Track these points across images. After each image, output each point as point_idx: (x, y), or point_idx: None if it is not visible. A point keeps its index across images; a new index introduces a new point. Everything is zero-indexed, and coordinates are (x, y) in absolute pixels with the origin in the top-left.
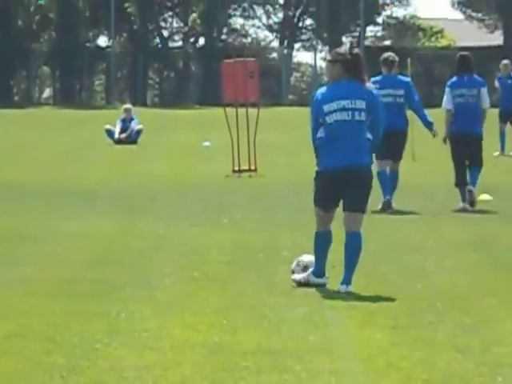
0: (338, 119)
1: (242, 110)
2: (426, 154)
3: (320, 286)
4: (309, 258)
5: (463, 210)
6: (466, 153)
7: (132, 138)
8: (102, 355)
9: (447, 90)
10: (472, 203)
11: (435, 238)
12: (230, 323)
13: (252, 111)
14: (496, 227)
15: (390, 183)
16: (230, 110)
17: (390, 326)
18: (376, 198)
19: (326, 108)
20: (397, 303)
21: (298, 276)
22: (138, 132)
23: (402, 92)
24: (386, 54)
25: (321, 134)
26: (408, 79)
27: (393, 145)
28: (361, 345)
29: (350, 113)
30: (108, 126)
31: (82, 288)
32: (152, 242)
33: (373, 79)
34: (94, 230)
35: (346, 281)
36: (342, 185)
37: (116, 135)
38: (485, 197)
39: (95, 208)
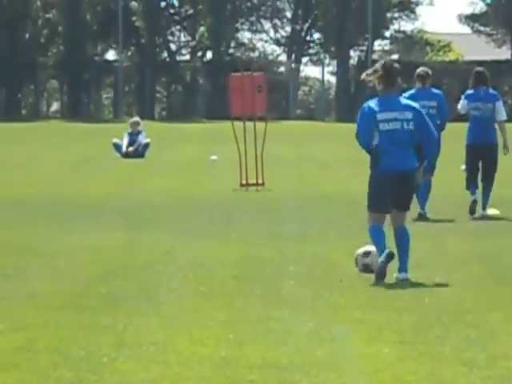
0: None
1: (249, 124)
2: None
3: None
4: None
5: (472, 205)
6: (481, 162)
7: (139, 152)
8: (109, 369)
9: (463, 98)
10: (473, 211)
11: (442, 252)
12: (236, 337)
13: (259, 125)
14: (502, 242)
15: (423, 194)
16: (238, 124)
17: (397, 340)
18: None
19: (379, 117)
20: (404, 318)
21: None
22: (146, 146)
23: (435, 104)
24: (419, 69)
25: (375, 141)
26: (440, 92)
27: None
28: (367, 359)
29: (400, 123)
30: (115, 140)
31: (89, 301)
32: (158, 256)
33: (408, 92)
34: (100, 243)
35: (403, 269)
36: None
37: (123, 149)
38: (492, 211)
39: (102, 222)
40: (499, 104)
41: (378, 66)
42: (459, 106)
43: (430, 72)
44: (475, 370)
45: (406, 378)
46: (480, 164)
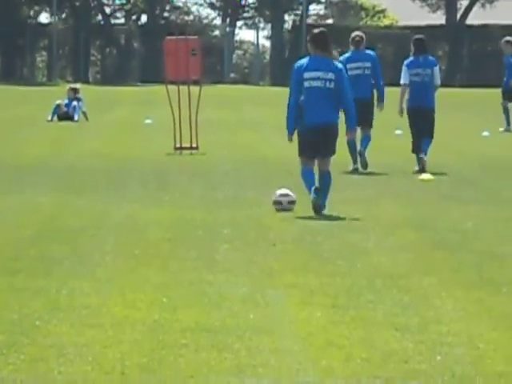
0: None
1: (183, 88)
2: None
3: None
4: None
5: (418, 171)
6: (421, 123)
7: (75, 117)
8: (41, 332)
9: (404, 68)
10: (423, 168)
11: (376, 217)
12: (169, 301)
13: (194, 89)
14: (436, 207)
15: (363, 142)
16: (172, 88)
17: (330, 304)
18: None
19: (305, 75)
20: (337, 282)
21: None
22: (84, 113)
23: (369, 64)
24: (354, 34)
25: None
26: (373, 53)
27: (362, 112)
28: (301, 323)
29: (322, 81)
30: (58, 102)
31: (21, 264)
32: (92, 220)
33: (344, 55)
34: (31, 206)
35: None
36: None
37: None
38: (426, 176)
39: (34, 184)
40: (436, 70)
41: (310, 35)
42: (402, 80)
43: (364, 36)
44: (407, 334)
45: (338, 342)
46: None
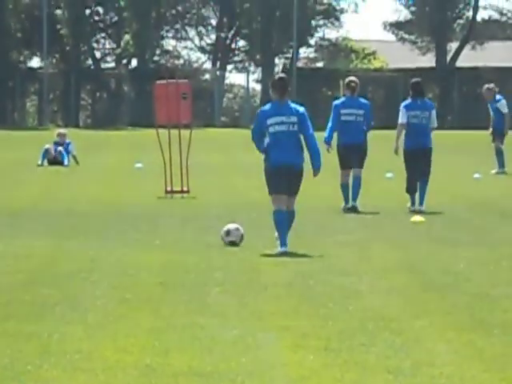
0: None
1: (174, 132)
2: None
3: (284, 254)
4: (230, 225)
5: (413, 211)
6: (418, 164)
7: (65, 162)
8: (33, 377)
9: (403, 109)
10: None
11: (367, 260)
12: (161, 344)
13: (184, 133)
14: (427, 249)
15: (354, 189)
16: (163, 132)
17: (322, 347)
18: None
19: (269, 121)
20: (329, 325)
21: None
22: (74, 157)
23: (362, 112)
24: (350, 79)
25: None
26: (367, 102)
27: (354, 156)
28: (293, 366)
29: (286, 125)
30: (47, 146)
31: (13, 309)
32: (83, 264)
33: (338, 100)
34: (24, 250)
35: (284, 243)
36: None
37: (49, 154)
38: (417, 218)
39: (25, 229)
40: (434, 113)
41: (271, 81)
42: (400, 119)
43: (358, 82)
44: (400, 377)
45: None
46: (417, 166)
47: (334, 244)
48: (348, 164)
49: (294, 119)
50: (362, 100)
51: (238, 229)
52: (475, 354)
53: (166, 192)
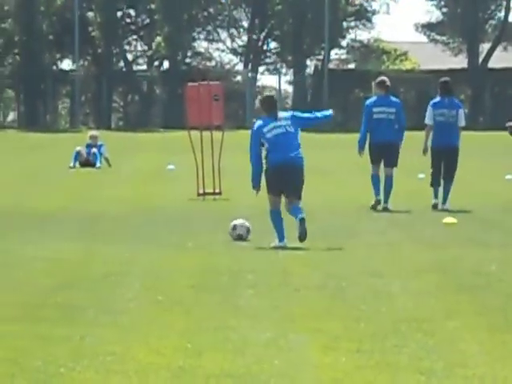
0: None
1: (206, 134)
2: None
3: (282, 247)
4: (237, 221)
5: (435, 206)
6: (445, 162)
7: (97, 164)
8: (66, 380)
9: (430, 108)
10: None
11: (399, 261)
12: (194, 346)
13: (216, 134)
14: (459, 250)
15: (386, 189)
16: (195, 133)
17: (355, 349)
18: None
19: (265, 129)
20: (361, 327)
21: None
22: (106, 159)
23: (393, 110)
24: (381, 78)
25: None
26: (398, 100)
27: (386, 154)
28: (325, 369)
29: (282, 128)
30: (78, 148)
31: (46, 312)
32: (116, 266)
33: (370, 99)
34: (57, 254)
35: (283, 237)
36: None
37: (81, 157)
38: (449, 219)
39: (58, 233)
40: (461, 112)
41: (259, 99)
42: (426, 118)
43: (389, 81)
44: (433, 378)
45: None
46: (442, 164)
47: (366, 245)
48: (379, 160)
49: (287, 122)
50: (394, 98)
51: (243, 223)
52: (508, 354)
53: (198, 194)
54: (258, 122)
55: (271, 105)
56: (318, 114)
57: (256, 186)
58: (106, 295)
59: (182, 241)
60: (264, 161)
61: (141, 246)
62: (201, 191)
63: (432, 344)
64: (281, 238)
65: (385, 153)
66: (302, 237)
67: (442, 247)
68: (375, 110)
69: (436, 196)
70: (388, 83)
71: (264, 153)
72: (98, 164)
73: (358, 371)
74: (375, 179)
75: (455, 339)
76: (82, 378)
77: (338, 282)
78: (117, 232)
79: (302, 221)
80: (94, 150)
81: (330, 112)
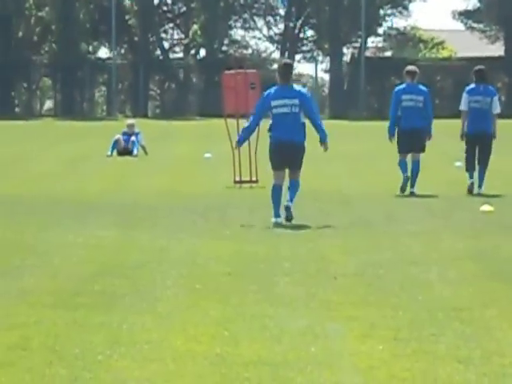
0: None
1: (242, 122)
2: (427, 166)
3: (277, 225)
4: None
5: (470, 187)
6: (479, 148)
7: (134, 152)
8: (103, 367)
9: (465, 95)
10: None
11: (436, 249)
12: (231, 334)
13: None
14: (496, 238)
15: (413, 174)
16: (231, 122)
17: (392, 337)
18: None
19: (273, 103)
20: (398, 315)
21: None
22: (143, 147)
23: (421, 98)
24: (409, 67)
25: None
26: (426, 89)
27: (414, 139)
28: (362, 356)
29: (288, 108)
30: (117, 137)
31: (83, 299)
32: (153, 254)
33: (399, 86)
34: (94, 241)
35: (289, 200)
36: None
37: (119, 145)
38: (486, 207)
39: (96, 220)
40: (496, 99)
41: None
42: (461, 105)
43: (417, 70)
44: (471, 366)
45: (400, 375)
46: (477, 149)
47: (403, 233)
48: (406, 148)
49: (295, 101)
50: (421, 87)
51: None
52: None
53: (235, 182)
54: (270, 91)
55: (285, 72)
56: (320, 126)
57: (239, 144)
58: (143, 283)
59: (218, 228)
60: (268, 134)
61: (178, 234)
62: (237, 179)
63: (469, 332)
64: (276, 214)
65: (412, 139)
66: (288, 220)
67: (479, 235)
68: (404, 97)
69: (471, 176)
70: (416, 71)
71: (268, 126)
72: (135, 152)
73: (394, 359)
74: (402, 163)
75: (492, 328)
76: (120, 366)
77: (375, 270)
78: (154, 220)
79: (287, 209)
80: (133, 138)
81: (326, 135)
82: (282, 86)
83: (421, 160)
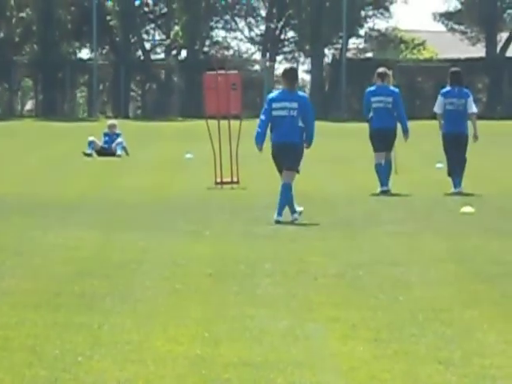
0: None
1: (224, 122)
2: (408, 167)
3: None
4: None
5: (455, 194)
6: (455, 148)
7: (118, 152)
8: (84, 368)
9: (440, 98)
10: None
11: (417, 250)
12: (211, 335)
13: (234, 123)
14: (477, 239)
15: (385, 172)
16: (212, 122)
17: (372, 338)
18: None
19: (274, 104)
20: (379, 316)
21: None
22: (123, 148)
23: (391, 99)
24: (379, 69)
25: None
26: (396, 90)
27: (385, 139)
28: (342, 357)
29: (287, 111)
30: (92, 138)
31: (64, 300)
32: (133, 255)
33: (369, 88)
34: (75, 242)
35: (278, 213)
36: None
37: (99, 144)
38: (467, 209)
39: (76, 220)
40: (470, 100)
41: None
42: (435, 107)
43: (388, 72)
44: (451, 368)
45: (381, 376)
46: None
47: (384, 234)
48: (381, 146)
49: (294, 105)
50: (392, 88)
51: None
52: None
53: (216, 183)
54: (273, 93)
55: (290, 77)
56: (311, 133)
57: (258, 146)
58: (123, 283)
59: (199, 229)
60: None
61: (159, 235)
62: (218, 180)
63: (450, 333)
64: (279, 212)
65: (383, 139)
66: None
67: (459, 236)
68: (373, 99)
69: (455, 185)
70: (386, 73)
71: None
72: (118, 152)
73: (375, 360)
74: (379, 168)
75: (473, 329)
76: (100, 367)
77: (355, 271)
78: (135, 220)
79: (292, 221)
80: (120, 139)
81: (311, 142)
82: (285, 90)
83: (393, 160)
